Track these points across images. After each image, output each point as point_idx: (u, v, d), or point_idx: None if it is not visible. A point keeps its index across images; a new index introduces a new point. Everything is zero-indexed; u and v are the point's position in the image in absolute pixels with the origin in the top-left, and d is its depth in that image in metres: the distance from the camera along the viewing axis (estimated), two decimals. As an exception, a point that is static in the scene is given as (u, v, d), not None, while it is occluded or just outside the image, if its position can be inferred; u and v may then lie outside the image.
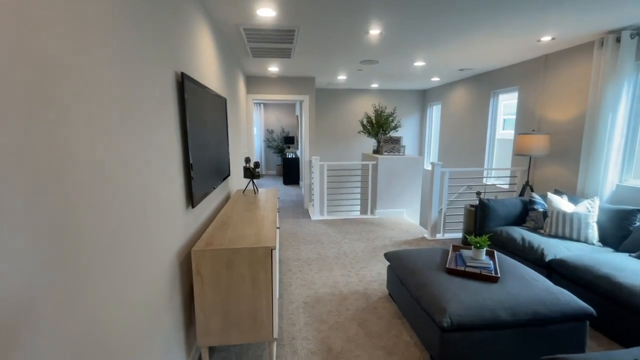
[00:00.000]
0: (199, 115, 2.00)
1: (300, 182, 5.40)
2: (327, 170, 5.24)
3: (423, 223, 6.58)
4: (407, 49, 3.79)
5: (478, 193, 3.87)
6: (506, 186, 4.82)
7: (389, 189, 5.28)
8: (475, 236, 3.41)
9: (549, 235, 3.01)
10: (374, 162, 5.26)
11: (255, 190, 3.40)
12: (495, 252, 2.48)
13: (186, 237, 1.84)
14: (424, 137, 7.56)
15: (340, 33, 3.16)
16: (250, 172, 3.21)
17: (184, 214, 1.81)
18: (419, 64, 4.58)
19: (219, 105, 2.74)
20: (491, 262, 2.25)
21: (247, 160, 3.22)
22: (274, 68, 4.83)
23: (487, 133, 5.23)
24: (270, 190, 3.44)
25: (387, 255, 2.68)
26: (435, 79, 5.92)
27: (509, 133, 4.96)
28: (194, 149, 1.89)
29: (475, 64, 4.65)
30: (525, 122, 4.37)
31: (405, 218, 5.22)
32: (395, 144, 5.48)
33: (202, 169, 2.05)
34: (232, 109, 3.73)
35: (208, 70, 2.50)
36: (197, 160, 1.94)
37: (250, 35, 3.20)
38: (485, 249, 2.26)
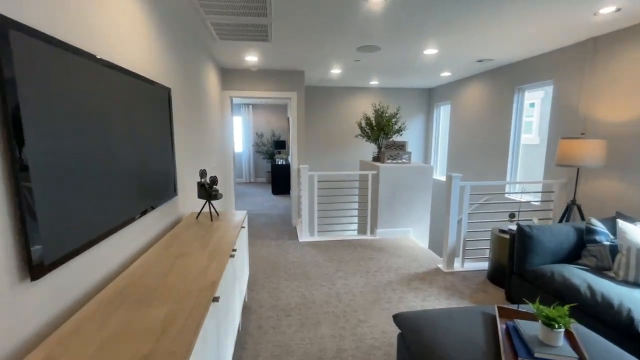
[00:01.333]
0: (71, 103, 1.11)
1: (292, 192, 4.60)
2: (319, 181, 4.34)
3: (434, 245, 5.69)
4: (416, 31, 2.93)
5: (512, 216, 2.98)
6: (536, 203, 3.94)
7: (393, 204, 4.39)
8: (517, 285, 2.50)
9: (625, 282, 2.12)
10: (375, 172, 4.38)
11: (214, 214, 2.50)
12: (575, 330, 1.58)
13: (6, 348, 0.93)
14: (429, 141, 6.70)
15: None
16: (206, 191, 2.32)
17: (9, 294, 0.91)
18: (430, 51, 3.71)
19: (152, 96, 1.85)
20: (575, 355, 1.35)
21: (202, 174, 2.33)
22: (252, 57, 3.95)
23: (509, 137, 4.36)
24: (235, 215, 2.54)
25: (399, 320, 1.78)
26: (446, 73, 5.07)
27: (527, 137, 4.10)
28: (45, 163, 1.00)
29: (498, 53, 3.79)
30: (563, 124, 3.50)
31: (412, 240, 4.33)
32: (399, 150, 4.61)
33: (75, 197, 1.15)
34: (190, 105, 2.84)
35: (122, 41, 1.62)
36: (56, 181, 1.04)
37: (206, 3, 2.32)
38: (564, 329, 1.37)
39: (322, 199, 4.42)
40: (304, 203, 4.24)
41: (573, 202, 3.01)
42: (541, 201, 3.76)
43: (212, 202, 3.59)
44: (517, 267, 2.56)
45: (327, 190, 5.09)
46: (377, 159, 4.91)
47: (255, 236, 4.51)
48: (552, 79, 3.65)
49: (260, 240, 4.31)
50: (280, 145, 8.82)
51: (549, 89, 3.88)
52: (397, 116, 4.83)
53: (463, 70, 4.83)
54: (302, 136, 4.84)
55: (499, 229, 3.10)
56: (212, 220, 2.35)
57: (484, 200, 4.82)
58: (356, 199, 4.79)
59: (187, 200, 2.68)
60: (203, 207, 2.42)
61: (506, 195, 4.43)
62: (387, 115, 4.79)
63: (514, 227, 3.01)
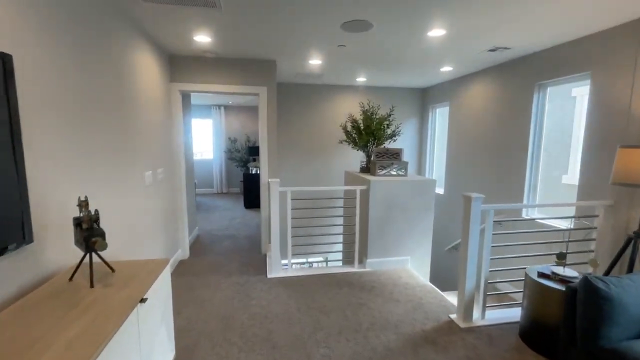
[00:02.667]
0: None
1: (262, 211, 3.64)
2: (293, 199, 3.39)
3: (437, 276, 4.81)
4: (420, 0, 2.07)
5: (561, 257, 2.13)
6: (560, 224, 3.14)
7: (386, 228, 3.50)
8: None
9: None
10: (364, 187, 3.48)
11: (103, 270, 1.51)
12: None
13: None
14: (423, 149, 5.89)
15: None
16: (83, 239, 1.33)
17: None
18: (436, 33, 2.87)
19: None
20: None
21: (82, 206, 1.34)
22: (203, 37, 2.99)
23: (527, 145, 3.57)
24: (148, 272, 1.56)
25: None
26: (447, 68, 4.26)
27: (551, 144, 3.33)
28: None
29: (517, 39, 3.00)
30: (606, 129, 2.72)
31: (411, 272, 3.44)
32: (393, 160, 3.74)
33: None
34: (88, 92, 1.85)
35: None
36: None
37: None
38: None
39: (297, 221, 3.54)
40: (274, 227, 3.28)
41: (639, 234, 2.19)
42: (573, 229, 2.95)
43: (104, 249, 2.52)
44: (584, 341, 1.70)
45: (305, 210, 4.21)
46: (366, 169, 4.03)
47: (210, 270, 3.50)
48: (589, 70, 2.88)
49: (217, 278, 3.31)
50: (255, 151, 7.84)
51: (580, 85, 3.12)
52: (390, 118, 3.96)
53: (469, 64, 4.03)
54: (273, 141, 3.89)
55: (539, 272, 2.24)
56: (92, 285, 1.36)
57: (497, 222, 3.99)
58: (340, 220, 3.88)
59: (70, 245, 1.67)
60: (82, 260, 1.42)
61: (524, 216, 3.62)
62: (377, 116, 3.92)
63: (565, 272, 2.15)
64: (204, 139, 8.87)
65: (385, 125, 3.89)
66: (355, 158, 5.76)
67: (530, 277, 2.24)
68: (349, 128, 4.15)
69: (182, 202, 3.75)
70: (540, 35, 2.91)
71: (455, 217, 4.94)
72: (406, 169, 3.73)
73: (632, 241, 2.22)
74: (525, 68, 3.57)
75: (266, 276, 3.32)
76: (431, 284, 3.18)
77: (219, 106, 8.52)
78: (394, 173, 3.71)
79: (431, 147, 5.73)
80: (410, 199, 3.50)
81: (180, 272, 3.47)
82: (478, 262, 2.48)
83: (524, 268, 2.43)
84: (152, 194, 2.93)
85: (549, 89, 3.42)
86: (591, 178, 2.87)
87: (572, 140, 3.27)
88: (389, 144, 4.53)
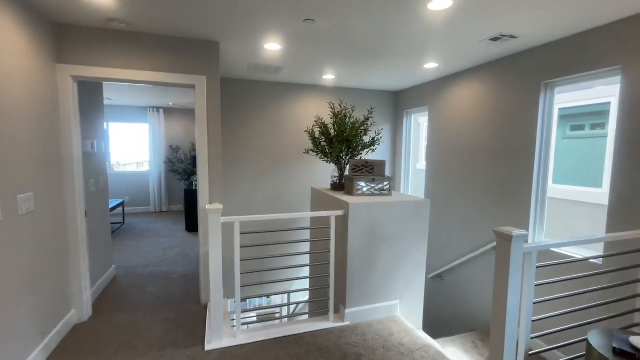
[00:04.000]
0: None
1: (200, 247, 2.63)
2: (243, 233, 2.38)
3: (430, 321, 4.04)
4: None
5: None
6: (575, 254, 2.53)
7: (370, 265, 2.64)
8: None
9: None
10: (341, 212, 2.59)
11: None
12: None
13: None
14: (397, 160, 5.20)
15: None
16: None
17: None
18: (440, 4, 2.12)
19: None
20: None
21: None
22: (99, -9, 1.94)
23: (534, 158, 2.96)
24: None
25: None
26: (431, 65, 3.59)
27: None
28: None
29: (528, 27, 2.37)
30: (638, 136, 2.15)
31: (404, 324, 2.60)
32: (375, 175, 2.92)
33: None
34: None
35: None
36: None
37: None
38: None
39: (250, 259, 2.60)
40: (215, 276, 2.25)
41: None
42: (591, 259, 2.32)
43: None
44: None
45: (258, 248, 3.30)
46: (338, 186, 3.17)
47: (119, 341, 2.36)
48: (620, 64, 2.31)
49: (128, 355, 2.18)
50: (202, 162, 6.64)
51: (603, 84, 2.57)
52: (369, 123, 3.16)
53: (460, 58, 3.38)
54: (216, 150, 2.88)
55: (616, 348, 1.51)
56: None
57: (494, 249, 3.34)
58: (307, 259, 2.86)
59: None
60: None
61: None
62: (352, 120, 3.10)
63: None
64: (140, 148, 7.46)
65: (363, 131, 3.08)
66: (325, 171, 4.88)
67: (598, 351, 1.50)
68: (317, 134, 3.28)
69: (77, 237, 2.56)
70: (563, 19, 2.30)
71: (436, 240, 4.26)
72: (391, 187, 2.93)
73: None
74: (528, 65, 2.98)
75: (203, 348, 2.27)
76: (436, 344, 2.37)
77: (157, 108, 7.21)
78: (377, 192, 2.89)
79: (406, 158, 5.06)
80: (400, 226, 2.69)
81: (70, 347, 2.28)
82: (517, 331, 1.71)
83: (574, 327, 1.70)
84: (8, 232, 1.77)
85: (556, 88, 2.86)
86: (626, 196, 2.28)
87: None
88: (367, 155, 3.73)
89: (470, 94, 3.69)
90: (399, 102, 5.09)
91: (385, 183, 2.91)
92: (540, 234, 3.00)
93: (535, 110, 2.93)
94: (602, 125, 3.99)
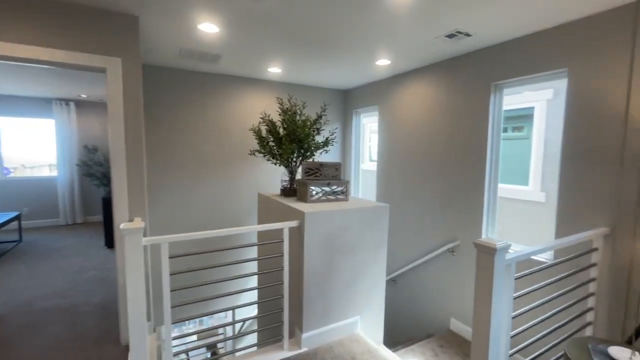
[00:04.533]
0: None
1: (118, 275, 2.08)
2: (172, 257, 1.88)
3: (387, 332, 3.85)
4: None
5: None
6: (543, 258, 2.56)
7: (328, 281, 2.34)
8: None
9: None
10: (295, 224, 2.24)
11: None
12: None
13: None
14: (348, 162, 5.02)
15: None
16: None
17: None
18: (404, -10, 1.90)
19: None
20: None
21: None
22: None
23: (486, 159, 2.95)
24: None
25: None
26: (383, 62, 3.43)
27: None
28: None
29: (482, 25, 2.30)
30: (596, 136, 2.20)
31: (367, 344, 2.35)
32: (331, 178, 2.64)
33: None
34: None
35: None
36: None
37: None
38: None
39: (185, 281, 2.13)
40: (134, 314, 1.73)
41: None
42: (552, 262, 2.35)
43: None
44: None
45: (194, 274, 2.81)
46: (289, 191, 2.83)
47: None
48: (565, 66, 2.35)
49: None
50: (126, 165, 5.71)
51: (550, 86, 2.62)
52: (322, 121, 2.88)
53: (413, 56, 3.27)
54: (137, 151, 2.31)
55: (599, 363, 1.41)
56: None
57: (450, 250, 3.30)
58: (255, 280, 2.40)
59: None
60: None
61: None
62: (304, 118, 2.78)
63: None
64: (44, 148, 6.19)
65: (315, 130, 2.78)
66: (273, 174, 4.46)
67: (581, 367, 1.39)
68: (264, 133, 2.89)
69: None
70: (515, 19, 2.26)
71: (389, 244, 4.15)
72: (347, 191, 2.67)
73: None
74: (479, 65, 2.97)
75: (121, 410, 1.74)
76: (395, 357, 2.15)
77: (66, 101, 6.04)
78: (333, 198, 2.61)
79: (356, 159, 4.91)
80: (359, 235, 2.44)
81: None
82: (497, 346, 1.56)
83: (544, 335, 1.61)
84: None
85: (504, 89, 2.88)
86: (573, 197, 2.33)
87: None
88: (321, 156, 3.44)
89: (422, 94, 3.63)
90: (348, 101, 4.91)
91: (342, 187, 2.64)
92: (493, 234, 3.02)
93: (486, 112, 2.93)
94: (521, 128, 4.28)
